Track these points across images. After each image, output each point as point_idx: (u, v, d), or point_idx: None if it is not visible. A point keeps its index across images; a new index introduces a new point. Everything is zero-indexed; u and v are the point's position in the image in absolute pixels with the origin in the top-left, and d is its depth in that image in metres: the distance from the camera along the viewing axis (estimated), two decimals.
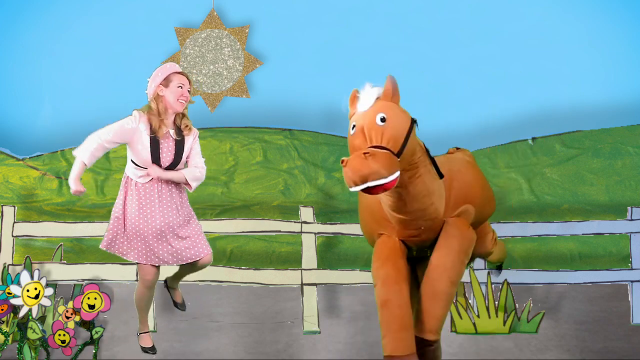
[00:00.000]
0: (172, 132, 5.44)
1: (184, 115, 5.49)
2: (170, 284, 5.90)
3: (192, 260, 5.52)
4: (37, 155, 7.97)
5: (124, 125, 5.39)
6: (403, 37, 8.15)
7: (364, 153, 4.46)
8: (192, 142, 5.53)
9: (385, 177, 4.48)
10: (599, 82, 8.08)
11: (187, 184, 5.50)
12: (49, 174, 7.90)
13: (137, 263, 5.52)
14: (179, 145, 5.46)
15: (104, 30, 8.16)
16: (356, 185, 4.48)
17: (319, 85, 8.13)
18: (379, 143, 4.57)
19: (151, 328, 6.54)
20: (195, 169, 5.53)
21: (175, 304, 5.92)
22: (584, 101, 8.09)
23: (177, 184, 5.51)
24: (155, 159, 5.38)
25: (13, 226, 6.89)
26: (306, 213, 6.86)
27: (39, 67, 8.18)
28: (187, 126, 5.47)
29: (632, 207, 6.83)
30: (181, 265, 5.65)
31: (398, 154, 4.59)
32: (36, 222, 7.09)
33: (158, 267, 5.55)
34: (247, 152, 8.00)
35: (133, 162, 5.45)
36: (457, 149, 5.74)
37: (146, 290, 5.62)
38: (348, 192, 7.85)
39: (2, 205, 7.00)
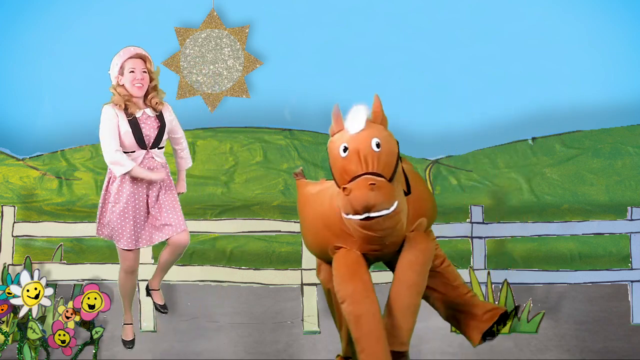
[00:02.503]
0: (148, 111, 5.55)
1: (153, 90, 5.57)
2: (151, 285, 5.92)
3: (168, 237, 5.60)
4: (37, 155, 7.97)
5: (109, 123, 5.48)
6: (403, 37, 8.15)
7: (371, 184, 4.44)
8: (170, 114, 5.64)
9: (388, 209, 4.52)
10: (599, 82, 8.07)
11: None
12: (49, 174, 7.89)
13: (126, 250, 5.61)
14: (161, 121, 5.57)
15: (104, 30, 8.15)
16: (357, 214, 4.50)
17: (319, 85, 8.12)
18: (375, 169, 4.56)
19: (151, 328, 6.55)
20: (183, 153, 5.78)
21: (157, 307, 5.92)
22: (584, 101, 8.08)
23: (163, 165, 5.63)
24: (139, 139, 5.48)
25: (13, 226, 6.89)
26: None
27: (39, 67, 8.17)
28: (157, 102, 5.56)
29: (632, 207, 6.83)
30: (161, 255, 5.73)
31: (390, 180, 4.59)
32: (36, 222, 7.09)
33: (138, 252, 5.67)
34: (247, 152, 8.00)
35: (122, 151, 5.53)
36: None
37: (128, 276, 5.75)
38: None
39: (2, 205, 7.00)
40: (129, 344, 5.91)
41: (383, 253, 4.99)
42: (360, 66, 8.13)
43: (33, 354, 5.65)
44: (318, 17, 8.16)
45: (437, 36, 8.12)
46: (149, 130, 5.52)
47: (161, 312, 5.91)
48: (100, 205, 5.62)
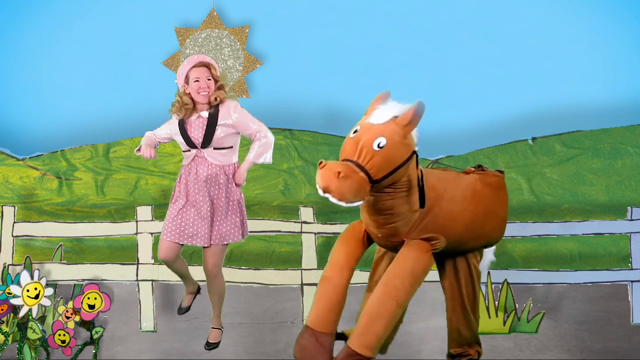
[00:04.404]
0: (204, 113, 5.68)
1: (218, 89, 5.68)
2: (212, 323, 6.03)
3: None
4: (37, 155, 7.97)
5: (169, 122, 5.79)
6: (403, 37, 8.15)
7: (338, 172, 4.52)
8: (229, 113, 5.68)
9: (346, 203, 4.59)
10: (599, 82, 8.08)
11: (262, 162, 5.83)
12: (49, 174, 7.90)
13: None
14: (211, 120, 5.64)
15: (104, 30, 8.16)
16: (320, 190, 4.61)
17: (319, 85, 8.13)
18: (363, 164, 4.62)
19: (151, 328, 6.55)
20: (255, 145, 5.77)
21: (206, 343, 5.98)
22: (584, 101, 8.09)
23: (220, 168, 5.70)
24: (186, 138, 5.66)
25: (13, 226, 6.89)
26: (306, 213, 6.86)
27: (39, 67, 8.18)
28: (215, 98, 5.65)
29: (632, 207, 6.83)
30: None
31: (376, 181, 4.64)
32: (36, 222, 7.09)
33: (179, 247, 5.71)
34: (247, 152, 7.99)
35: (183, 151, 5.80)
36: (482, 169, 5.39)
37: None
38: None
39: (2, 205, 7.00)
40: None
41: (380, 241, 5.09)
42: (360, 66, 8.13)
43: (33, 354, 5.65)
44: (318, 17, 8.16)
45: (437, 36, 8.12)
46: (196, 131, 5.65)
47: (206, 348, 5.93)
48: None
